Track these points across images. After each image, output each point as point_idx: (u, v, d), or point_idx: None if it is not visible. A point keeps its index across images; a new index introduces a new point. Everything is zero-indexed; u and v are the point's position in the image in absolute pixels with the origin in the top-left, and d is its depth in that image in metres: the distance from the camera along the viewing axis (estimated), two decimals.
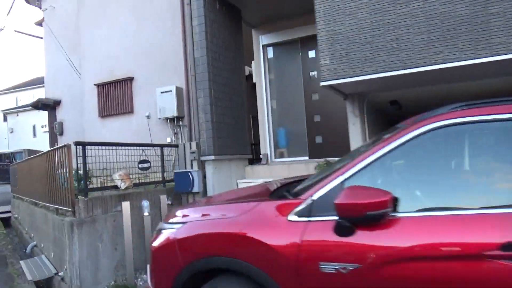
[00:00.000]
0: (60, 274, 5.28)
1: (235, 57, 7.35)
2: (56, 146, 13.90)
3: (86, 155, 5.04)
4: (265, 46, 8.50)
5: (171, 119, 8.85)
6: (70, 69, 13.05)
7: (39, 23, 15.03)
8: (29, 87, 31.59)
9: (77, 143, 4.95)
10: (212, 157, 6.27)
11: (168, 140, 8.94)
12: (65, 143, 5.10)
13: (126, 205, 5.07)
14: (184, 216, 3.01)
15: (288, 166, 7.17)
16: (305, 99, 8.13)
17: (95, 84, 10.06)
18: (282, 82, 8.47)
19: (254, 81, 8.59)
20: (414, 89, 5.52)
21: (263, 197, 3.03)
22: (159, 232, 3.06)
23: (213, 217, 2.81)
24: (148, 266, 3.24)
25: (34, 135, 25.16)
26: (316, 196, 2.36)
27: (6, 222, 10.77)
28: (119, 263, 5.25)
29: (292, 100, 8.39)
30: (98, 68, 10.11)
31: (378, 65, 4.15)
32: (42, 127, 24.67)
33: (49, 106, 13.94)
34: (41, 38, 14.98)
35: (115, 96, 9.84)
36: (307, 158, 7.96)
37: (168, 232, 2.94)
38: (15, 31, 22.25)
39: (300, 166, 6.98)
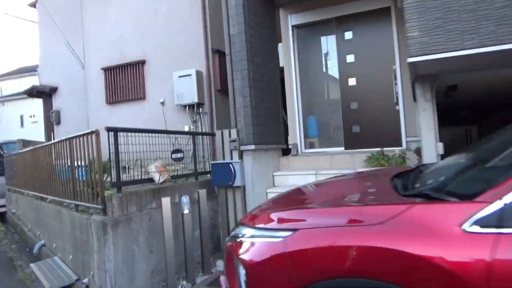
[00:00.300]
0: (84, 281, 4.50)
1: (270, 36, 6.60)
2: (53, 136, 12.95)
3: (119, 143, 4.25)
4: (294, 27, 7.74)
5: (190, 106, 8.06)
6: (68, 53, 12.06)
7: (33, 4, 13.93)
8: (15, 76, 30.04)
9: (109, 129, 4.15)
10: (252, 146, 5.54)
11: (186, 128, 8.15)
12: (93, 129, 4.29)
13: (166, 202, 4.30)
14: (285, 220, 2.30)
15: (329, 157, 6.48)
16: (340, 85, 7.43)
17: (102, 68, 9.16)
18: (313, 66, 7.74)
19: (281, 65, 7.84)
20: (481, 73, 4.89)
21: (389, 195, 2.34)
22: (238, 238, 2.36)
23: (340, 223, 2.09)
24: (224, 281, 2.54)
25: (22, 125, 23.86)
26: (510, 199, 1.70)
27: (2, 217, 9.82)
28: (155, 268, 4.50)
29: (325, 86, 7.69)
30: (106, 51, 9.21)
31: (483, 37, 3.47)
32: (31, 117, 23.39)
33: (45, 93, 12.90)
34: (35, 22, 13.87)
35: (125, 81, 8.96)
36: (342, 148, 7.28)
37: (268, 242, 2.22)
38: (5, 13, 20.72)
39: (342, 157, 6.30)
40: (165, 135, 5.27)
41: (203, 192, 4.94)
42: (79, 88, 12.21)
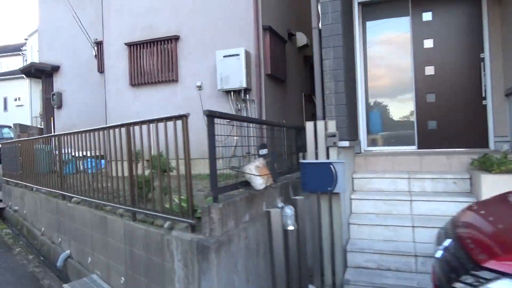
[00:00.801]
0: None
1: (343, 10, 5.45)
2: (53, 121, 11.44)
3: (215, 133, 3.06)
4: (360, 4, 6.63)
5: (235, 92, 6.87)
6: (74, 27, 10.56)
7: None
8: None
9: (209, 113, 2.95)
10: (346, 143, 4.44)
11: None
12: (183, 113, 3.08)
13: (275, 214, 3.17)
14: None
15: (411, 158, 5.45)
16: (415, 74, 6.39)
17: (126, 44, 7.79)
18: (380, 50, 6.67)
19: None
20: None
21: None
22: None
23: None
24: None
25: (5, 108, 21.85)
26: None
27: (0, 214, 8.38)
28: None
29: (394, 74, 6.64)
30: (130, 23, 7.84)
31: None
32: (16, 100, 21.46)
33: (45, 72, 11.36)
34: None
35: (153, 60, 7.65)
36: (414, 147, 6.28)
37: None
38: None
39: (436, 158, 5.28)
40: (243, 124, 4.08)
41: (302, 201, 3.81)
42: (86, 68, 10.75)
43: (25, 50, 25.90)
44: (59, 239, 5.52)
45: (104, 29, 8.15)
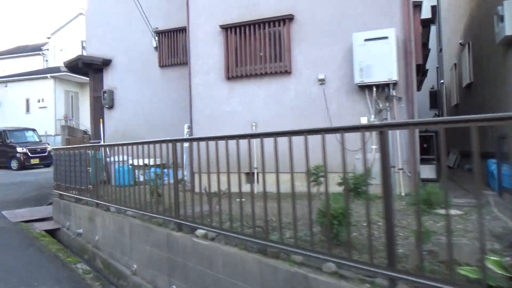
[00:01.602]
0: None
1: None
2: (102, 124, 9.78)
3: None
4: None
5: (379, 87, 5.23)
6: (128, 16, 9.00)
7: None
8: (14, 55, 26.28)
9: None
10: None
11: (363, 121, 5.33)
12: None
13: None
14: None
15: None
16: None
17: (221, 27, 6.18)
18: None
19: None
20: None
21: None
22: None
23: None
24: None
25: (28, 110, 20.25)
26: None
27: (51, 236, 6.69)
28: None
29: None
30: (225, 2, 6.24)
31: None
32: (39, 101, 19.87)
33: (93, 67, 9.75)
34: None
35: (257, 46, 6.03)
36: None
37: None
38: None
39: None
40: None
41: None
42: (143, 62, 9.14)
43: (46, 49, 24.42)
44: (173, 287, 3.86)
45: (189, 9, 6.53)
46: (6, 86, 20.86)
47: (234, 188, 3.25)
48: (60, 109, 20.21)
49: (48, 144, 17.72)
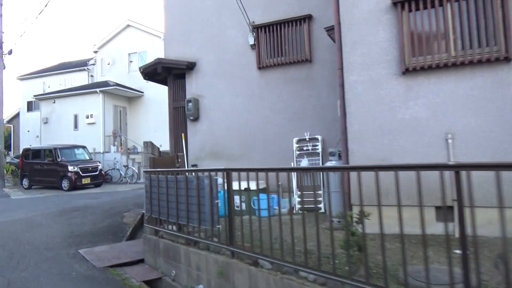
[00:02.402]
0: None
1: None
2: (184, 140, 7.80)
3: None
4: None
5: None
6: (218, 12, 7.44)
7: None
8: (58, 71, 25.61)
9: None
10: None
11: None
12: None
13: None
14: None
15: None
16: None
17: (393, 1, 4.42)
18: None
19: None
20: None
21: None
22: None
23: None
24: None
25: (76, 127, 19.17)
26: None
27: None
28: None
29: None
30: None
31: None
32: (87, 117, 18.72)
33: (174, 72, 8.21)
34: None
35: (447, 25, 4.23)
36: None
37: None
38: None
39: None
40: None
41: None
42: (237, 64, 7.48)
43: (92, 64, 23.53)
44: None
45: None
46: (54, 103, 19.90)
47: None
48: (109, 125, 19.02)
49: (99, 162, 16.45)
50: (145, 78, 8.52)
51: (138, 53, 20.60)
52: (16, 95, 27.43)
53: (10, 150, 27.34)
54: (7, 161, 20.13)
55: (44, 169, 15.69)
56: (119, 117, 19.96)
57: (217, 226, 4.09)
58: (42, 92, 23.43)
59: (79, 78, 24.30)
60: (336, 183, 4.60)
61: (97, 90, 18.65)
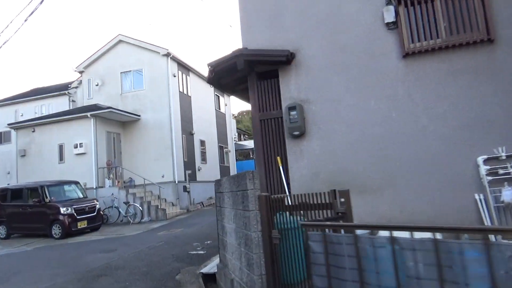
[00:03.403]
0: None
1: None
2: (284, 172, 4.86)
3: None
4: None
5: None
6: None
7: None
8: (33, 98, 22.14)
9: None
10: None
11: None
12: None
13: None
14: None
15: None
16: None
17: None
18: None
19: None
20: None
21: None
22: None
23: None
24: None
25: (61, 159, 15.72)
26: None
27: None
28: None
29: None
30: None
31: None
32: (76, 147, 15.42)
33: (259, 67, 5.69)
34: None
35: None
36: None
37: None
38: None
39: None
40: None
41: None
42: (363, 50, 5.09)
43: (75, 87, 20.36)
44: None
45: None
46: (33, 131, 16.47)
47: None
48: (102, 155, 15.83)
49: (96, 200, 13.25)
50: (209, 81, 5.89)
51: (132, 71, 17.79)
52: None
53: None
54: None
55: (27, 212, 12.29)
56: (113, 145, 16.85)
57: None
58: (14, 120, 19.87)
59: (57, 104, 20.97)
60: None
61: (88, 114, 15.58)
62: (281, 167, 5.25)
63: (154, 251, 8.19)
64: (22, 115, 21.53)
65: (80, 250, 9.24)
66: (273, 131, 5.43)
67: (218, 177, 21.84)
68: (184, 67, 18.91)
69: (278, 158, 5.30)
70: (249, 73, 5.54)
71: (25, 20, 10.15)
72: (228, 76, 5.79)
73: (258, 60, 5.35)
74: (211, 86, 6.12)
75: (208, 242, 8.63)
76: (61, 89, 21.57)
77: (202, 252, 7.76)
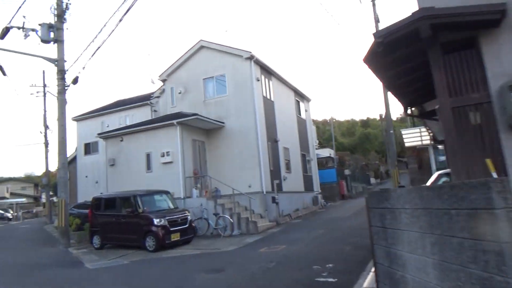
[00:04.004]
0: None
1: None
2: (490, 165, 3.52)
3: None
4: None
5: None
6: None
7: None
8: (117, 109, 22.63)
9: None
10: None
11: None
12: None
13: None
14: None
15: None
16: None
17: None
18: None
19: None
20: None
21: None
22: None
23: None
24: None
25: (149, 168, 15.44)
26: None
27: None
28: None
29: None
30: None
31: None
32: (163, 155, 14.97)
33: (447, 36, 4.12)
34: None
35: None
36: None
37: None
38: None
39: None
40: None
41: None
42: None
43: (157, 97, 20.33)
44: None
45: None
46: (121, 141, 16.38)
47: None
48: (188, 164, 15.18)
49: (188, 211, 12.41)
50: (370, 59, 4.47)
51: (214, 77, 17.08)
52: (71, 137, 24.51)
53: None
54: None
55: (120, 222, 11.77)
56: (198, 154, 16.17)
57: None
58: (100, 131, 20.17)
59: (140, 114, 21.12)
60: None
61: (174, 122, 15.04)
62: (493, 174, 3.63)
63: (270, 275, 6.89)
64: (108, 126, 21.99)
65: (181, 268, 8.27)
66: (474, 123, 3.85)
67: (302, 187, 20.29)
68: (267, 71, 17.85)
69: (488, 161, 3.69)
70: (432, 44, 4.02)
71: (120, 20, 9.64)
72: (396, 50, 4.32)
73: (448, 24, 3.82)
74: (370, 66, 4.63)
75: (330, 265, 7.11)
76: (143, 100, 21.76)
77: (331, 279, 6.26)
